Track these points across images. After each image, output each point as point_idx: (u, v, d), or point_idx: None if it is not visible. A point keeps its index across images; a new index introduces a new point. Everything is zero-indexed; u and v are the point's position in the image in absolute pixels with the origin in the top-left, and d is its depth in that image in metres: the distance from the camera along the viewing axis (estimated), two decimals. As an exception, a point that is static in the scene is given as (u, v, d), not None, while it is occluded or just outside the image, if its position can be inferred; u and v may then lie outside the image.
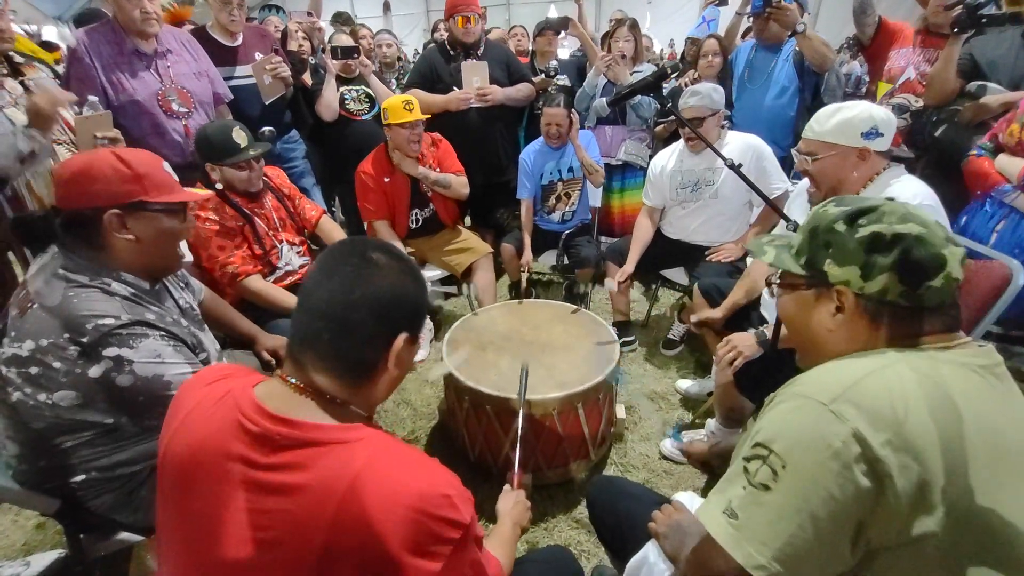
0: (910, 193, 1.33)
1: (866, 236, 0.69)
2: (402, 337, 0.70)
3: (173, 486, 0.67)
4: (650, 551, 0.98)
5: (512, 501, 1.09)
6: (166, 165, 1.12)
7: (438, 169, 2.49)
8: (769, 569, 0.62)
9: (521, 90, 2.83)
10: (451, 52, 2.77)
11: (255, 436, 0.63)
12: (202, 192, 1.22)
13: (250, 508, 0.61)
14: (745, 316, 1.74)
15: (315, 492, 0.60)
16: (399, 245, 2.41)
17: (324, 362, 0.68)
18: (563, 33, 3.43)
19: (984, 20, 1.87)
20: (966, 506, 0.58)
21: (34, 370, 0.95)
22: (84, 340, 0.95)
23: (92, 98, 1.80)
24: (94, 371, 0.96)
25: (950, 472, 0.58)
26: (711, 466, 1.71)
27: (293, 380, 0.68)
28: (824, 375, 0.66)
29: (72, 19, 3.11)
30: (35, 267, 1.03)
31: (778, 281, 0.84)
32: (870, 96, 2.54)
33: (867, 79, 5.52)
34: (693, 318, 1.80)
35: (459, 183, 2.53)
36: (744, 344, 1.49)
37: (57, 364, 0.95)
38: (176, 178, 1.14)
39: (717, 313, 1.75)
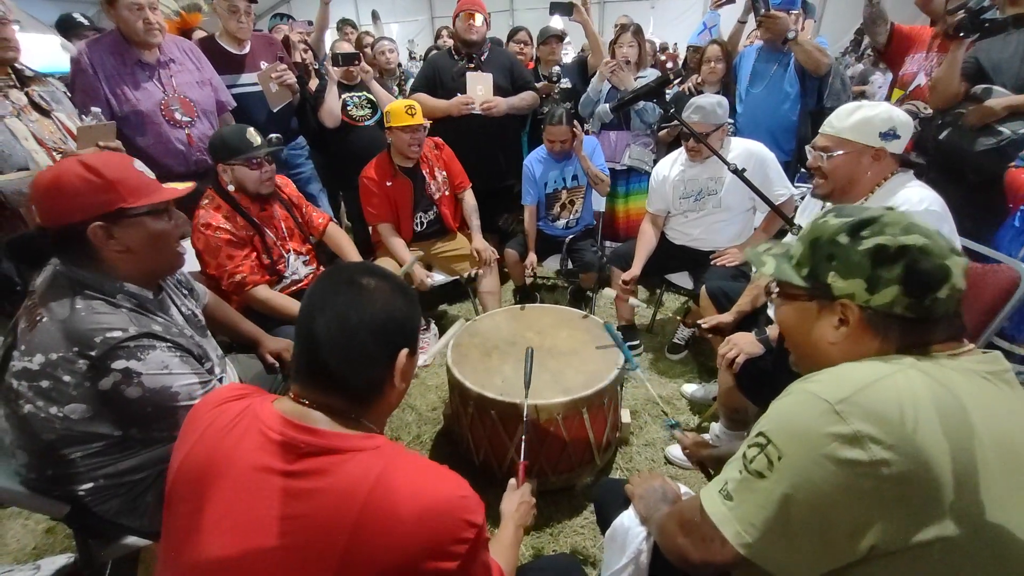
0: (917, 199, 1.33)
1: (871, 248, 0.68)
2: (403, 353, 0.72)
3: (187, 500, 0.67)
4: (625, 516, 1.02)
5: (516, 501, 1.10)
6: (138, 164, 1.08)
7: (444, 173, 2.51)
8: (754, 547, 0.65)
9: (524, 98, 2.85)
10: (455, 56, 2.79)
11: (279, 444, 0.65)
12: (182, 186, 1.14)
13: (274, 514, 0.62)
14: (752, 319, 1.73)
15: (337, 497, 0.61)
16: (405, 247, 2.43)
17: (334, 386, 0.70)
18: (567, 37, 3.45)
19: (987, 25, 1.86)
20: (976, 520, 0.57)
21: (45, 383, 0.95)
22: (93, 354, 0.95)
23: (95, 109, 1.82)
24: (103, 384, 0.96)
25: (960, 484, 0.57)
26: (707, 468, 1.70)
27: (305, 401, 0.70)
28: (837, 375, 0.66)
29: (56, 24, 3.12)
30: (42, 278, 1.03)
31: (777, 290, 0.83)
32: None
33: (873, 78, 5.53)
34: (703, 323, 1.79)
35: (471, 208, 2.60)
36: (745, 343, 1.49)
37: (67, 378, 0.95)
38: (152, 175, 1.10)
39: (728, 318, 1.75)
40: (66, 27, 2.95)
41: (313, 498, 0.62)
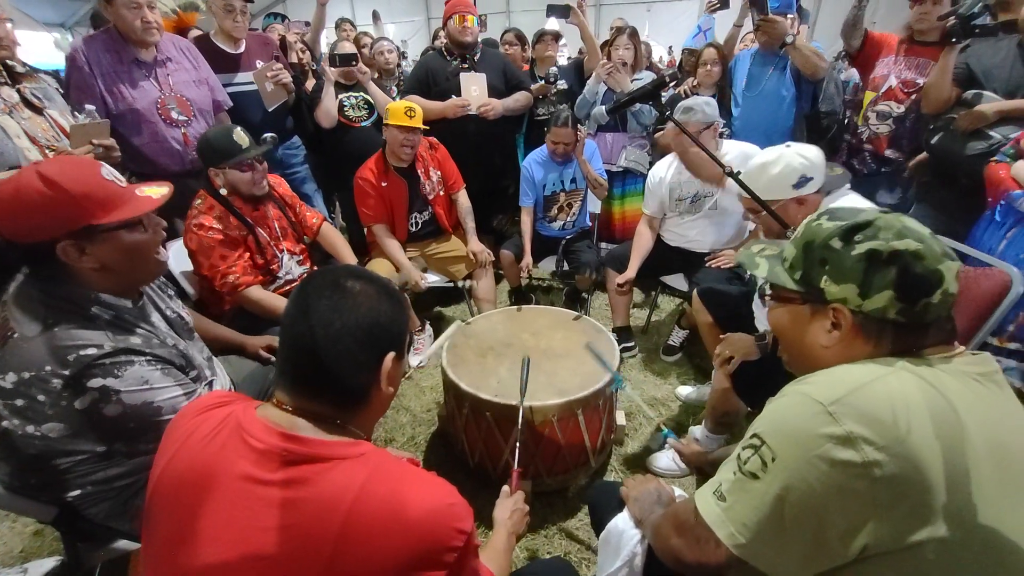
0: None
1: (863, 253, 0.68)
2: (389, 357, 0.71)
3: (169, 510, 0.66)
4: (620, 519, 1.02)
5: (509, 509, 1.09)
6: (106, 170, 0.98)
7: (439, 173, 2.51)
8: (748, 548, 0.65)
9: (519, 99, 2.86)
10: (448, 56, 2.80)
11: (261, 453, 0.64)
12: (157, 194, 1.03)
13: (257, 524, 0.61)
14: (743, 325, 1.74)
15: (321, 506, 0.60)
16: (401, 248, 2.42)
17: (318, 392, 0.69)
18: (562, 39, 3.46)
19: (977, 30, 1.89)
20: (968, 522, 0.58)
21: (19, 402, 0.91)
22: (66, 372, 0.90)
23: (89, 107, 1.80)
24: (80, 403, 0.92)
25: (952, 486, 0.57)
26: (705, 473, 1.71)
27: (289, 408, 0.68)
28: (830, 376, 0.66)
29: (88, 19, 3.10)
30: (12, 292, 0.97)
31: (770, 293, 0.83)
32: (857, 105, 2.58)
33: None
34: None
35: (465, 209, 2.58)
36: (742, 345, 1.50)
37: (42, 397, 0.90)
38: (123, 182, 1.00)
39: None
40: (100, 21, 2.92)
41: (296, 508, 0.60)
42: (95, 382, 0.92)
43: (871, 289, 0.68)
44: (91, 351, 0.92)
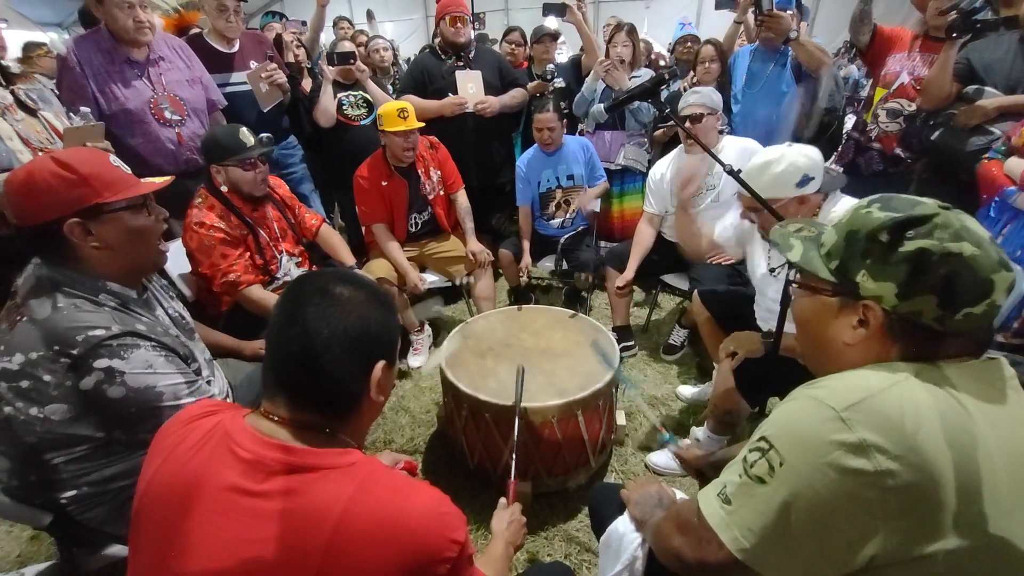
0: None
1: (911, 252, 0.62)
2: (379, 365, 0.69)
3: (156, 521, 0.65)
4: (620, 522, 1.01)
5: (507, 519, 1.08)
6: (114, 159, 1.06)
7: (439, 172, 2.49)
8: (752, 553, 0.64)
9: (515, 96, 2.86)
10: (442, 55, 2.79)
11: (248, 463, 0.62)
12: (160, 180, 1.11)
13: (244, 536, 0.59)
14: (743, 323, 1.73)
15: (309, 517, 0.59)
16: (398, 248, 2.41)
17: (306, 401, 0.67)
18: (560, 37, 3.44)
19: (978, 25, 1.87)
20: (980, 532, 0.56)
21: (25, 384, 0.93)
22: (74, 352, 0.93)
23: (84, 109, 1.78)
24: (85, 383, 0.94)
25: (963, 497, 0.56)
26: (705, 476, 1.69)
27: (276, 417, 0.67)
28: (842, 381, 0.64)
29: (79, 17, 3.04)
30: (23, 279, 1.01)
31: (798, 279, 0.78)
32: (868, 102, 2.55)
33: (864, 82, 5.56)
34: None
35: (464, 210, 2.57)
36: (748, 341, 1.49)
37: (47, 377, 0.93)
38: (128, 170, 1.08)
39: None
40: (89, 19, 2.89)
41: (284, 519, 0.59)
42: (101, 362, 0.94)
43: (912, 291, 0.62)
44: (99, 332, 0.95)
